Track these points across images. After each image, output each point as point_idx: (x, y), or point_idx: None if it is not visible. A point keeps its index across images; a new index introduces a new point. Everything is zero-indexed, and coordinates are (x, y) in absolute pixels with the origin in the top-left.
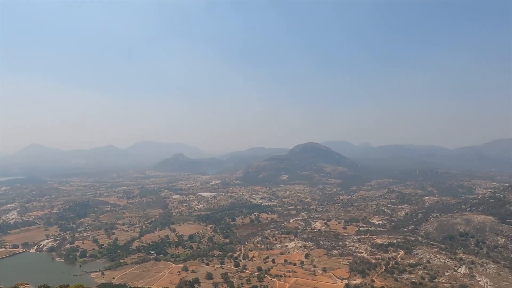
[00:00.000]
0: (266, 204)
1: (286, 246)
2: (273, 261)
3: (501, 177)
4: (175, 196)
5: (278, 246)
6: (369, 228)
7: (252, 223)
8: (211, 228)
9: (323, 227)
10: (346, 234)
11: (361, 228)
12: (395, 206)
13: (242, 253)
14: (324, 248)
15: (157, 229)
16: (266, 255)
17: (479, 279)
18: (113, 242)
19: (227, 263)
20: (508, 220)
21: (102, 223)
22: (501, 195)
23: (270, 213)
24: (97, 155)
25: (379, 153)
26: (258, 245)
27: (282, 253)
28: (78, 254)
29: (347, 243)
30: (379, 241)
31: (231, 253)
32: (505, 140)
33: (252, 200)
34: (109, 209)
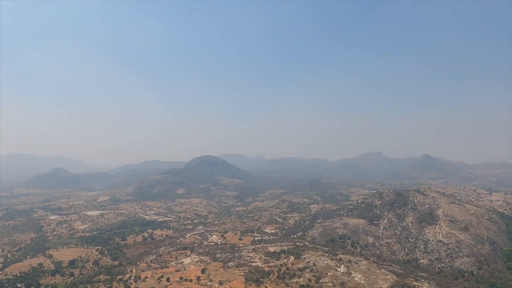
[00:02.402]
0: (161, 220)
1: (182, 262)
2: (167, 279)
3: (370, 185)
4: (52, 217)
5: (173, 263)
6: (263, 237)
7: (145, 241)
8: (97, 250)
9: (220, 240)
10: (242, 245)
11: (255, 238)
12: (286, 215)
13: (134, 274)
14: (220, 261)
15: (28, 257)
16: (160, 274)
17: (354, 276)
18: None
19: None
20: (375, 222)
21: None
22: (370, 201)
23: (165, 229)
24: None
25: (272, 165)
26: (152, 264)
27: (177, 270)
28: None
29: (242, 253)
30: (272, 249)
31: (120, 276)
32: (373, 153)
33: (145, 216)
34: None
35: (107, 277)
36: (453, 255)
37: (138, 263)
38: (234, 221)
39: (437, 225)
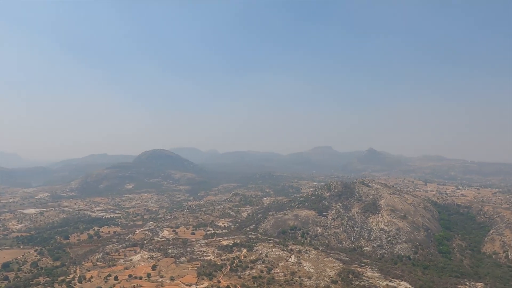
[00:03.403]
0: (108, 216)
1: (131, 259)
2: (115, 278)
3: (319, 178)
4: None
5: (122, 261)
6: (216, 231)
7: (90, 239)
8: (35, 251)
9: (172, 235)
10: (194, 240)
11: (208, 232)
12: (239, 208)
13: (78, 275)
14: (172, 257)
15: None
16: (107, 273)
17: (304, 265)
18: None
19: None
20: (324, 213)
21: None
22: (319, 193)
23: (113, 226)
24: None
25: (225, 159)
26: (98, 263)
27: (126, 268)
28: None
29: (195, 248)
30: (225, 242)
31: (63, 277)
32: (322, 147)
33: (91, 213)
34: None
35: (48, 279)
36: (393, 242)
37: (83, 263)
38: (187, 216)
39: (380, 215)
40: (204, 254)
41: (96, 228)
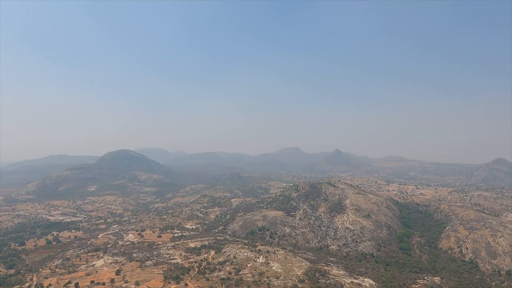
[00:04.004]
0: (69, 220)
1: (94, 265)
2: (76, 285)
3: (287, 178)
4: None
5: (83, 266)
6: (184, 234)
7: (49, 245)
8: None
9: (137, 239)
10: (161, 243)
11: (175, 235)
12: (208, 210)
13: (34, 283)
14: (137, 261)
15: None
16: (67, 280)
17: (272, 265)
18: None
19: None
20: (292, 213)
21: None
22: (287, 193)
23: (73, 230)
24: None
25: (193, 159)
26: (57, 269)
27: (88, 274)
28: None
29: (161, 251)
30: (192, 244)
31: (18, 286)
32: (291, 148)
33: (50, 217)
34: None
35: None
36: (358, 240)
37: (40, 270)
38: (153, 218)
39: (345, 214)
40: (171, 257)
41: (55, 233)
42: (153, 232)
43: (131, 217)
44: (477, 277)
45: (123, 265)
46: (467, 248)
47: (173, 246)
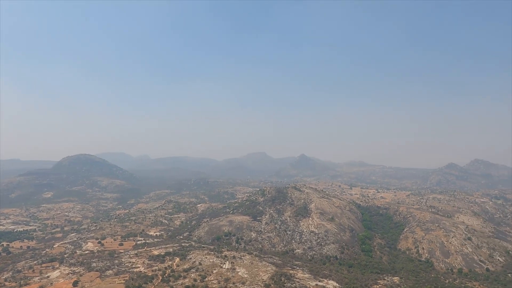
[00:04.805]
0: (21, 229)
1: (48, 276)
2: None
3: (254, 183)
4: None
5: (36, 278)
6: (147, 241)
7: None
8: None
9: (97, 247)
10: (122, 251)
11: (138, 242)
12: (172, 216)
13: None
14: (97, 270)
15: None
16: None
17: (238, 271)
18: None
19: None
20: (258, 218)
21: None
22: (254, 198)
23: (26, 240)
24: None
25: (157, 164)
26: (7, 283)
27: (42, 287)
28: None
29: (123, 260)
30: (156, 252)
31: None
32: (257, 153)
33: None
34: None
35: None
36: (322, 243)
37: None
38: (114, 226)
39: (310, 218)
40: (134, 266)
41: (4, 243)
42: (115, 240)
43: (90, 224)
44: (432, 275)
45: (81, 275)
46: (423, 248)
47: (136, 254)
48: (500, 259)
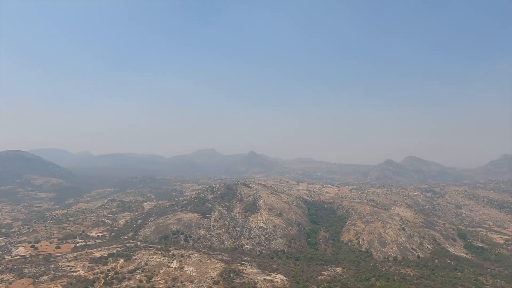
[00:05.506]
0: None
1: None
2: None
3: (203, 180)
4: None
5: None
6: (88, 242)
7: None
8: None
9: (30, 252)
10: (59, 254)
11: (78, 244)
12: (116, 215)
13: None
14: (30, 277)
15: None
16: None
17: (186, 269)
18: None
19: None
20: (207, 215)
21: None
22: (203, 195)
23: None
24: None
25: (100, 161)
26: None
27: None
28: None
29: (61, 264)
30: (98, 254)
31: None
32: (207, 150)
33: None
34: None
35: None
36: (271, 238)
37: None
38: (50, 228)
39: (259, 213)
40: (73, 270)
41: None
42: (51, 243)
43: (22, 227)
44: (371, 264)
45: (10, 283)
46: (363, 240)
47: (75, 257)
48: (429, 246)
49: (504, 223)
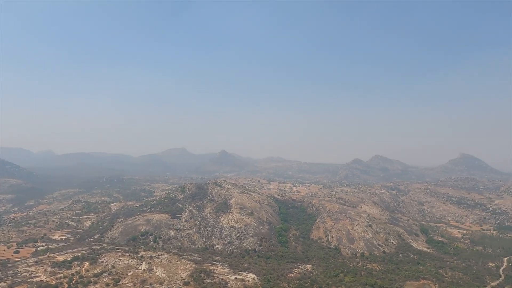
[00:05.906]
0: None
1: None
2: None
3: (174, 180)
4: None
5: None
6: (50, 246)
7: None
8: None
9: None
10: (19, 259)
11: (39, 248)
12: (81, 217)
13: None
14: None
15: None
16: None
17: (156, 271)
18: None
19: None
20: (177, 215)
21: None
22: (173, 195)
23: None
24: None
25: (63, 161)
26: None
27: None
28: None
29: (20, 269)
30: (61, 258)
31: None
32: (177, 149)
33: None
34: None
35: None
36: (242, 237)
37: None
38: (8, 231)
39: (230, 213)
40: (33, 275)
41: None
42: (9, 247)
43: None
44: (340, 261)
45: None
46: (332, 237)
47: (36, 261)
48: (393, 242)
49: (462, 218)
